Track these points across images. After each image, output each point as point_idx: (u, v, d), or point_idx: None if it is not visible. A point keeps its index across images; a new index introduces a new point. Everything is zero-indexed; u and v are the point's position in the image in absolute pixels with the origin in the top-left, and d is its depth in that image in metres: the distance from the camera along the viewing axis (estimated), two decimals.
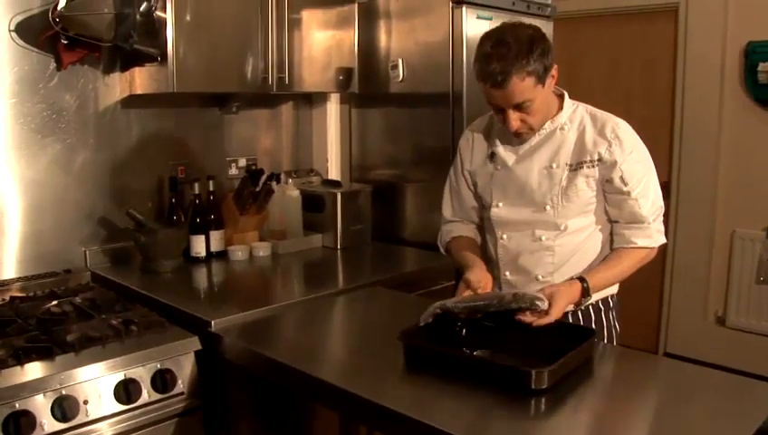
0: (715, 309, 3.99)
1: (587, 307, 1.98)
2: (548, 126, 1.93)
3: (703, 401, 1.62)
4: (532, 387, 1.55)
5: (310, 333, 2.16)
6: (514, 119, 1.85)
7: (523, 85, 1.77)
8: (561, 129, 1.92)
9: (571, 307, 1.87)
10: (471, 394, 1.60)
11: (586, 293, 1.84)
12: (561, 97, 1.95)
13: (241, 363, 2.05)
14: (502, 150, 2.00)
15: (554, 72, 1.84)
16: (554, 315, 1.73)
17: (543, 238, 1.96)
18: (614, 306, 2.06)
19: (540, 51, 1.77)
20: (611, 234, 1.96)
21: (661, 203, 1.94)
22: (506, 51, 1.74)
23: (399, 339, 1.75)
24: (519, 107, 1.83)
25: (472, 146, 2.09)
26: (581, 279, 1.85)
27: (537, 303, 1.72)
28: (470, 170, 2.10)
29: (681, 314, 4.09)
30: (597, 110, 1.95)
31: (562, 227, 1.94)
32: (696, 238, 3.91)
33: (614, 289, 2.05)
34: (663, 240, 1.94)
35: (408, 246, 3.20)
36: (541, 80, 1.80)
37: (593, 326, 1.98)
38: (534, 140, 1.94)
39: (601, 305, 2.02)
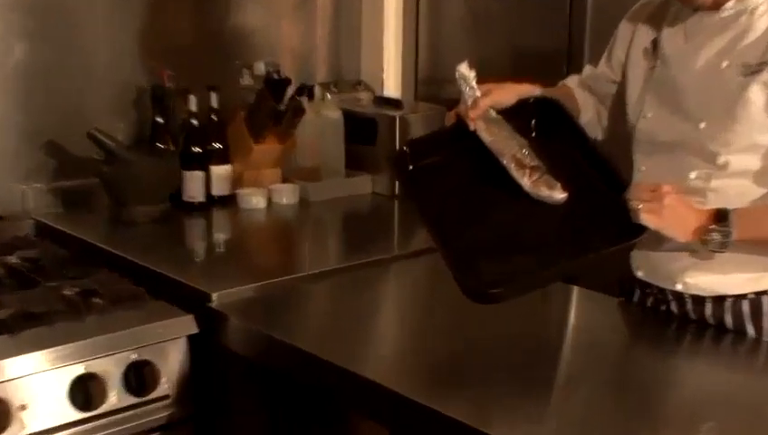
0: None
1: (737, 302, 2.00)
2: (732, 5, 1.94)
3: None
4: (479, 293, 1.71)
5: (350, 315, 2.23)
6: None
7: None
8: (752, 12, 1.93)
9: (684, 236, 1.87)
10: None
11: (719, 231, 1.84)
12: None
13: (252, 355, 2.09)
14: (666, 39, 2.07)
15: None
16: (657, 211, 1.81)
17: (693, 175, 1.99)
18: None
19: None
20: None
21: None
22: None
23: (403, 150, 2.05)
24: None
25: (634, 30, 2.19)
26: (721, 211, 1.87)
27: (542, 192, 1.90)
28: (622, 61, 2.22)
29: None
30: None
31: (720, 162, 1.95)
32: None
33: None
34: None
35: None
36: None
37: (747, 331, 2.02)
38: (709, 24, 1.98)
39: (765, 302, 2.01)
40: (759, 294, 1.99)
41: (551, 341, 2.05)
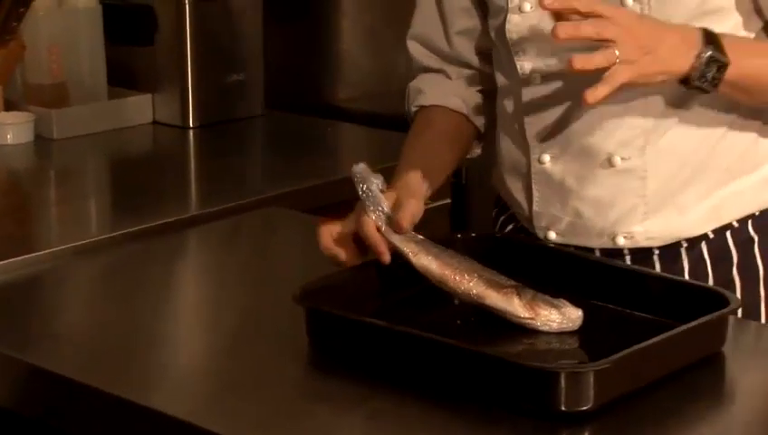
0: None
1: (721, 234, 1.80)
2: None
3: None
4: (561, 407, 1.37)
5: (125, 312, 1.88)
6: None
7: None
8: None
9: (678, 67, 1.64)
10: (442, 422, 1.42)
11: (710, 53, 1.63)
12: None
13: None
14: None
15: None
16: (628, 56, 1.55)
17: None
18: None
19: None
20: None
21: None
22: None
23: (297, 300, 1.62)
24: None
25: None
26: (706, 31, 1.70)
27: (527, 320, 1.62)
28: None
29: None
30: None
31: None
32: None
33: None
34: None
35: (346, 120, 3.05)
36: None
37: (735, 273, 1.79)
38: None
39: (753, 232, 1.82)
40: (720, 230, 1.81)
41: None
